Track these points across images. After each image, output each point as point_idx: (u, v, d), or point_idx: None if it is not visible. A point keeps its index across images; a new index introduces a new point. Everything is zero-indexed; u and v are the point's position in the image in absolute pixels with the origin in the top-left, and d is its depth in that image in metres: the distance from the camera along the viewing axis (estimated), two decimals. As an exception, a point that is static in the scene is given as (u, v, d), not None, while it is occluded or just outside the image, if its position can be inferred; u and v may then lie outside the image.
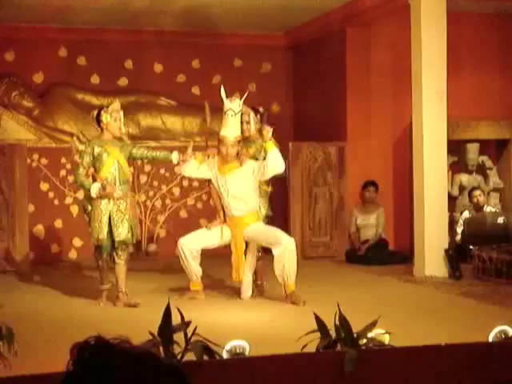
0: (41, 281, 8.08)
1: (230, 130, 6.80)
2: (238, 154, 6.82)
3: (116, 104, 6.79)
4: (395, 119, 9.91)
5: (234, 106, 6.82)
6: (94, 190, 6.56)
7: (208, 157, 6.97)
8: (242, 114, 6.97)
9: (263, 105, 10.36)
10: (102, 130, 6.76)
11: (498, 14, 9.86)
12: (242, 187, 6.82)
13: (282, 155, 6.80)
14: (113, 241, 6.65)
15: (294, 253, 6.64)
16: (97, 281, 6.88)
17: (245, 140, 7.01)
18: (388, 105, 9.94)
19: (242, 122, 7.00)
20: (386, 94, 9.93)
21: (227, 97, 6.87)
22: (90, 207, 6.72)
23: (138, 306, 6.52)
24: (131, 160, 6.97)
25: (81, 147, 6.76)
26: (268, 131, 6.62)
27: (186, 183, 10.06)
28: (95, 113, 6.77)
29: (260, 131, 6.89)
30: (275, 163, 6.69)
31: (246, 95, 6.87)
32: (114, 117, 6.67)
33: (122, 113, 6.77)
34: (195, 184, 10.00)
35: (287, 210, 9.83)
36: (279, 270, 6.60)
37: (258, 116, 7.14)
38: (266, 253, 6.88)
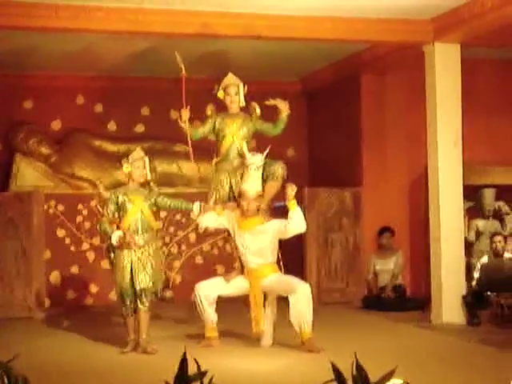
0: (58, 328, 8.08)
1: (252, 184, 6.81)
2: (258, 209, 6.83)
3: (136, 152, 6.81)
4: (410, 164, 9.92)
5: (256, 160, 6.85)
6: (115, 237, 6.60)
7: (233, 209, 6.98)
8: (231, 86, 7.11)
9: (279, 150, 10.44)
10: (128, 178, 6.81)
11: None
12: (261, 245, 6.80)
13: (303, 211, 6.79)
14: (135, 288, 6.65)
15: (309, 299, 6.58)
16: (124, 329, 6.84)
17: (233, 115, 7.13)
18: (403, 150, 9.96)
19: (230, 95, 7.12)
20: (400, 139, 9.95)
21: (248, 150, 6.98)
22: (112, 255, 6.74)
23: (155, 353, 6.49)
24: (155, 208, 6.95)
25: (106, 195, 6.79)
26: (293, 190, 6.60)
27: (201, 229, 10.04)
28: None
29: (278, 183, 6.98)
30: (297, 224, 6.67)
31: (267, 150, 6.90)
32: (135, 165, 6.72)
33: (146, 159, 6.79)
34: (210, 229, 9.97)
35: (303, 255, 9.80)
36: (295, 317, 6.54)
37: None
38: (283, 300, 6.84)
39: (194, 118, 7.16)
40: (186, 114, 7.02)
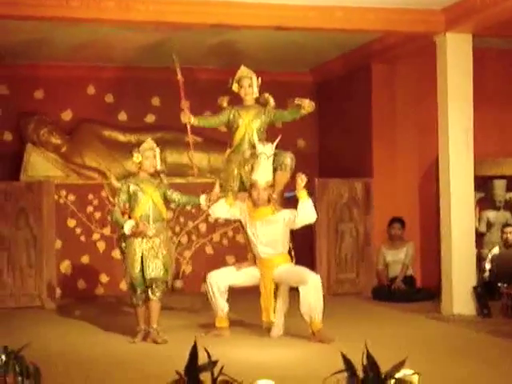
0: (69, 317, 8.11)
1: (262, 174, 6.80)
2: (269, 199, 6.83)
3: (147, 143, 6.83)
4: (421, 155, 9.90)
5: (266, 150, 6.84)
6: (128, 226, 6.61)
7: (244, 200, 6.98)
8: (244, 79, 7.16)
9: (289, 140, 10.45)
10: (138, 168, 6.83)
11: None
12: (272, 235, 6.80)
13: (313, 202, 6.79)
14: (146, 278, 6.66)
15: (320, 290, 6.59)
16: (134, 319, 6.84)
17: (247, 107, 7.16)
18: (414, 141, 9.93)
19: (244, 87, 7.16)
20: (411, 129, 9.93)
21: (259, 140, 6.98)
22: (124, 245, 6.76)
23: (166, 343, 6.51)
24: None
25: (117, 185, 6.83)
26: (302, 180, 6.61)
27: (211, 219, 10.07)
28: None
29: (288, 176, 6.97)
30: (306, 214, 6.68)
31: (278, 140, 6.89)
32: (145, 156, 6.74)
33: (157, 149, 6.82)
34: (221, 220, 10.01)
35: (313, 246, 9.80)
36: (305, 308, 6.55)
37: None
38: (293, 290, 6.85)
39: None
40: (187, 117, 7.17)
